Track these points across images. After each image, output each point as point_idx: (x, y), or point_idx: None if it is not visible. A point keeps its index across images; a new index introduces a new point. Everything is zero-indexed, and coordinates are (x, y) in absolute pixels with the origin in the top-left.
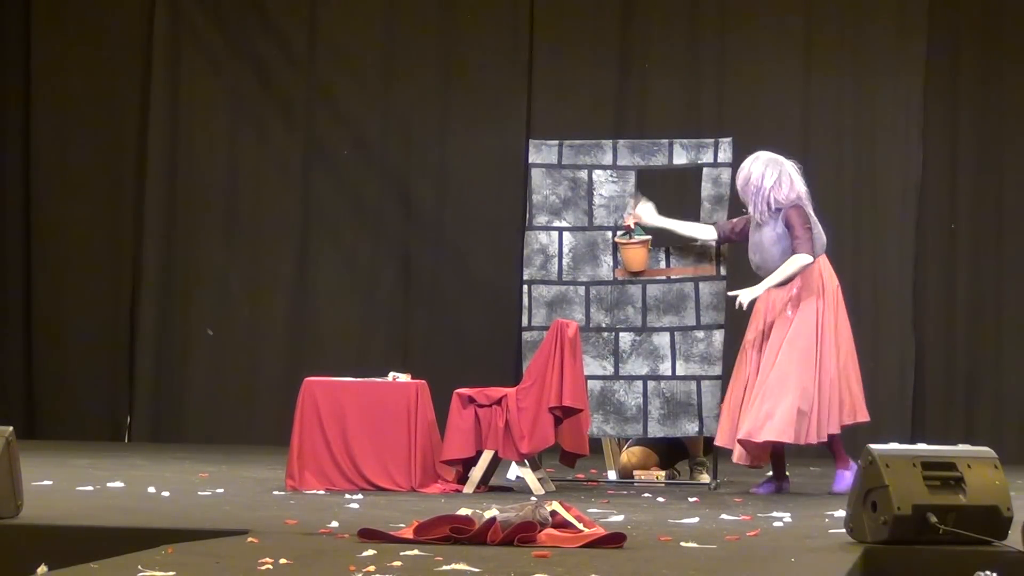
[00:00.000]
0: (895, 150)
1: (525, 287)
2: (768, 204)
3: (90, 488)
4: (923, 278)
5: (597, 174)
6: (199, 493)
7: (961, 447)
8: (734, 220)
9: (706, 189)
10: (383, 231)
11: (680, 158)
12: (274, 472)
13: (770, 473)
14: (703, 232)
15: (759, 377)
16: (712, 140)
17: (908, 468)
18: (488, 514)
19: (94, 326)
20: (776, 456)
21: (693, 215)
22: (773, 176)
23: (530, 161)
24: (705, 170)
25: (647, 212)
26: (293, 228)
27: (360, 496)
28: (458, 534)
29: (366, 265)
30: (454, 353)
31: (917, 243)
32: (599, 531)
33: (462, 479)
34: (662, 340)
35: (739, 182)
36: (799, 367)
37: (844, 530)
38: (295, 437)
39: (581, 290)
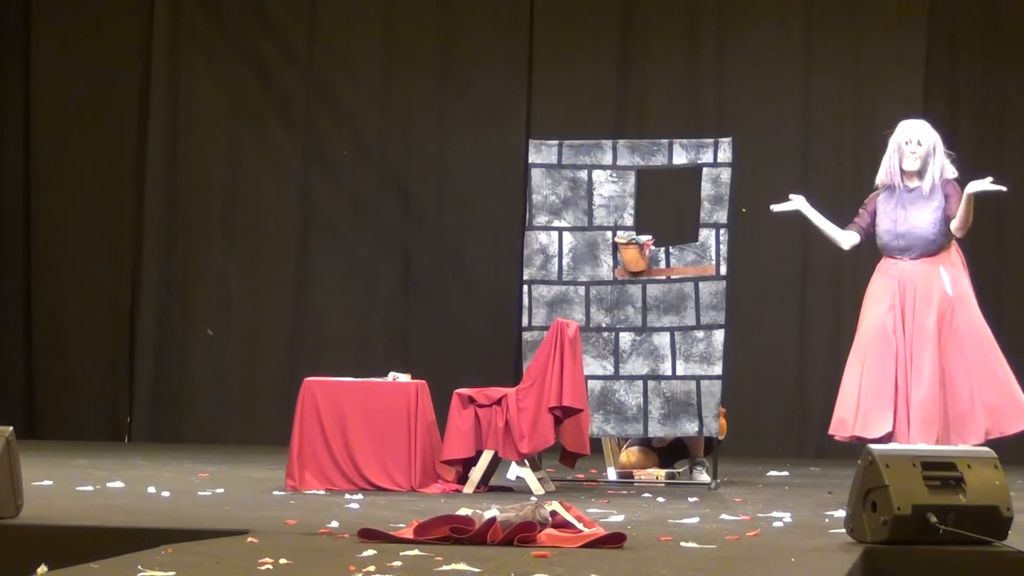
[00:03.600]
0: None
1: (525, 287)
2: (939, 174)
3: (90, 488)
4: None
5: (597, 174)
6: (199, 493)
7: (961, 447)
8: (861, 212)
9: (706, 189)
10: (383, 231)
11: (680, 158)
12: (274, 472)
13: None
14: (846, 239)
15: (928, 366)
16: (712, 140)
17: (908, 468)
18: (488, 514)
19: (94, 326)
20: None
21: (693, 215)
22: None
23: (530, 161)
24: (705, 170)
25: (800, 203)
26: (293, 228)
27: (360, 496)
28: (458, 534)
29: (366, 265)
30: (454, 353)
31: None
32: (599, 531)
33: (462, 479)
34: (662, 340)
35: (927, 141)
36: (993, 354)
37: (844, 530)
38: (295, 437)
39: (581, 290)
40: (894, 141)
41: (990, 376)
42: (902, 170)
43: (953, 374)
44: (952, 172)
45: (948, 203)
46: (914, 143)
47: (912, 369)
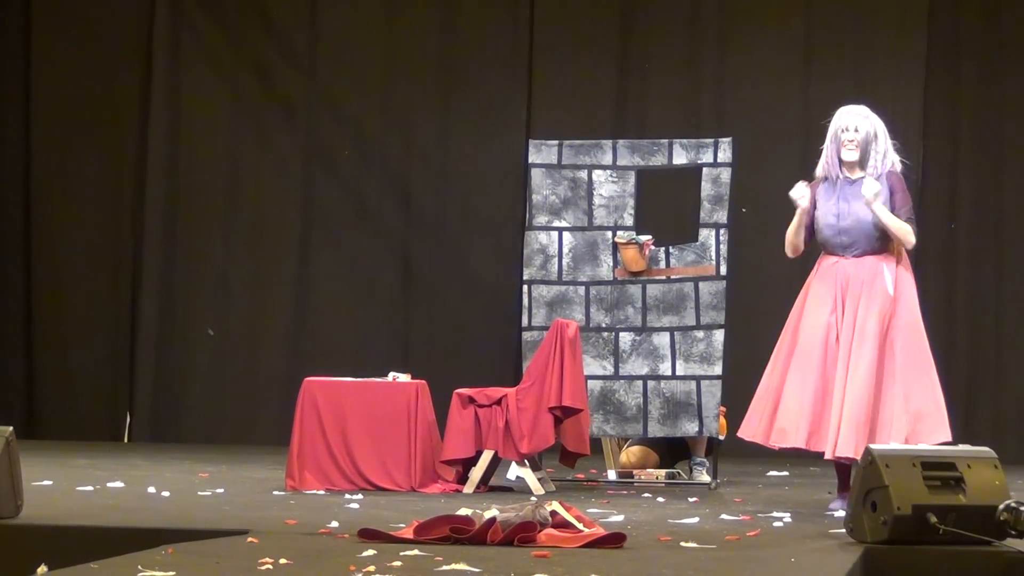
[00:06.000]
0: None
1: (525, 287)
2: (883, 164)
3: (90, 488)
4: (923, 278)
5: (597, 174)
6: (199, 493)
7: (961, 447)
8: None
9: (706, 189)
10: (383, 231)
11: (680, 158)
12: (274, 472)
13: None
14: (800, 244)
15: (862, 372)
16: (712, 140)
17: (908, 468)
18: (488, 514)
19: (94, 326)
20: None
21: (693, 215)
22: (889, 137)
23: (530, 161)
24: (705, 170)
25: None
26: (293, 228)
27: (360, 496)
28: (458, 534)
29: (366, 265)
30: (454, 353)
31: (917, 243)
32: (599, 531)
33: (462, 479)
34: (662, 340)
35: (865, 128)
36: (925, 358)
37: (844, 530)
38: (295, 437)
39: (581, 290)
40: (831, 129)
41: (920, 382)
42: (841, 160)
43: (883, 375)
44: (897, 163)
45: (893, 198)
46: (851, 130)
47: (849, 369)
